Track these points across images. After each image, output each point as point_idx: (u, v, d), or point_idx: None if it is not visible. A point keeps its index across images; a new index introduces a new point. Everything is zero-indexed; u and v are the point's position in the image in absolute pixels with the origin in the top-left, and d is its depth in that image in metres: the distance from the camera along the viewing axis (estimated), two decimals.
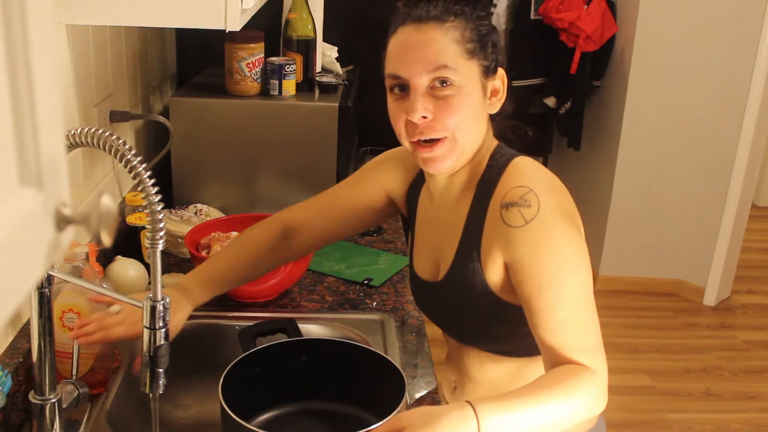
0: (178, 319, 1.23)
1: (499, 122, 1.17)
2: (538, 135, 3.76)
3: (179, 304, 1.24)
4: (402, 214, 1.37)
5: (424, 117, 1.07)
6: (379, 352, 1.19)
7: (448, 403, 1.30)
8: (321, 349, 1.22)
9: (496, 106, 1.13)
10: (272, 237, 1.36)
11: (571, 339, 1.03)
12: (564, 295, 1.03)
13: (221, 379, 1.08)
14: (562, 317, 1.03)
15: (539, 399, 0.98)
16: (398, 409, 1.03)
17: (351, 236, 1.72)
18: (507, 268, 1.08)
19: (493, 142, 1.17)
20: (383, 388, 1.10)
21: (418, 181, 1.28)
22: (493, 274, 1.10)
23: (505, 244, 1.06)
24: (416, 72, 1.07)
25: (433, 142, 1.09)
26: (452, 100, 1.07)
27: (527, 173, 1.09)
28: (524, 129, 1.20)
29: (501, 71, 1.12)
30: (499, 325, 1.15)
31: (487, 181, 1.12)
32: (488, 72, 1.10)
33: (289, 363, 1.20)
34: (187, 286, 1.28)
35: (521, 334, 1.13)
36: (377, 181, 1.34)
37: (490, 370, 1.22)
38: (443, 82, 1.06)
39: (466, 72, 1.07)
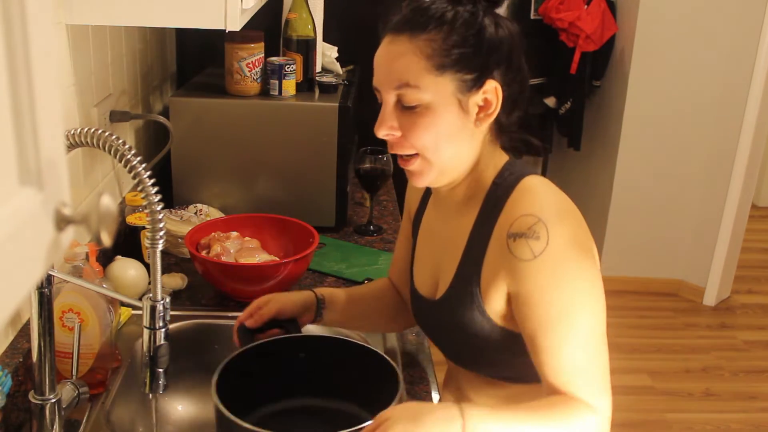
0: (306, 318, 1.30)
1: (510, 134, 1.11)
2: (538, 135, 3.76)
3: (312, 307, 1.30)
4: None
5: (392, 134, 1.05)
6: (373, 348, 1.18)
7: None
8: (317, 346, 1.21)
9: (485, 121, 1.04)
10: (391, 287, 1.39)
11: (575, 379, 0.99)
12: (570, 335, 0.99)
13: (215, 376, 1.07)
14: (567, 358, 0.99)
15: (529, 419, 0.96)
16: (392, 406, 1.03)
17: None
18: (510, 297, 1.04)
19: (501, 157, 1.10)
20: (379, 385, 1.10)
21: (428, 191, 1.25)
22: (494, 301, 1.06)
23: (512, 276, 1.02)
24: (383, 88, 1.04)
25: (407, 157, 1.06)
26: (418, 120, 1.02)
27: (536, 199, 1.02)
28: (536, 147, 1.14)
29: (492, 83, 1.01)
30: (496, 351, 1.11)
31: (492, 200, 1.06)
32: (472, 85, 1.01)
33: (285, 360, 1.19)
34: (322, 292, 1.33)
35: (519, 363, 1.09)
36: (406, 208, 1.33)
37: (486, 394, 1.18)
38: (408, 100, 1.02)
39: (434, 89, 1.00)
